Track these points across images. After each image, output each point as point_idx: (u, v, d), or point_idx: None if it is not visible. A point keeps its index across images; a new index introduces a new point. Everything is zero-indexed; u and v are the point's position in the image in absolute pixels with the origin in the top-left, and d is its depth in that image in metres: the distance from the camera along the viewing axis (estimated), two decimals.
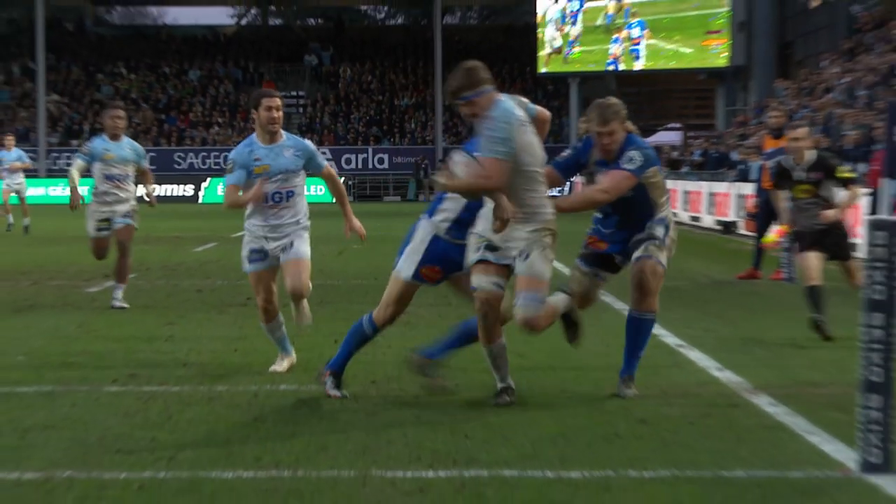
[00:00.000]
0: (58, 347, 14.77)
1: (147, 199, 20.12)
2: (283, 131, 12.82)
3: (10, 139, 40.50)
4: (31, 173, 75.44)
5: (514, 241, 10.90)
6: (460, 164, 10.72)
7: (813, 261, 15.50)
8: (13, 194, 39.37)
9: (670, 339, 14.98)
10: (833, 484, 8.46)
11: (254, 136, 12.83)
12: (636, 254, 11.70)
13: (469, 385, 12.13)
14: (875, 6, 61.86)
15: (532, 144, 10.89)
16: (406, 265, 11.48)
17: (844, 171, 15.85)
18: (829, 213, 15.51)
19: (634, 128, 11.64)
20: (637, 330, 11.83)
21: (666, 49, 73.71)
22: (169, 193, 69.63)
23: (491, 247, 10.93)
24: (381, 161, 79.78)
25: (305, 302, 13.23)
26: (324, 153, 14.58)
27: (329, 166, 13.22)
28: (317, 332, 14.61)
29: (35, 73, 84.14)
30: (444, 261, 11.39)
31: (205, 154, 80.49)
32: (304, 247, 12.83)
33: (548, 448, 9.48)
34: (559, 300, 11.58)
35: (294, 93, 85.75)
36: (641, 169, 11.44)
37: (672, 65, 74.21)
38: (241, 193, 12.68)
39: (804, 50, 70.58)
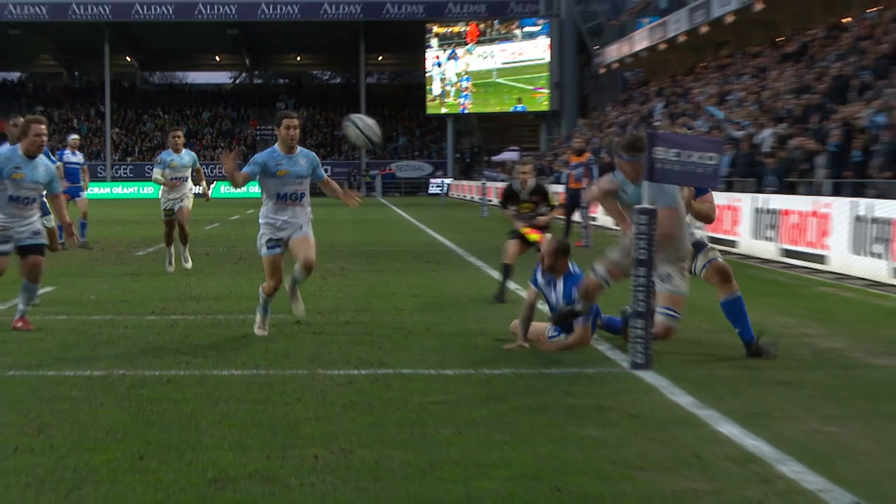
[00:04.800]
0: (116, 290, 14.52)
1: (202, 195, 19.58)
2: (297, 145, 11.20)
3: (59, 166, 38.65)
4: (100, 177, 75.79)
5: (662, 266, 9.37)
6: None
7: (514, 247, 13.79)
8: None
9: (510, 286, 14.75)
10: (613, 376, 8.45)
11: (276, 146, 11.10)
12: (709, 256, 9.63)
13: (380, 312, 12.06)
14: (639, 73, 63.40)
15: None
16: None
17: (552, 198, 13.78)
18: (541, 220, 13.64)
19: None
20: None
21: (503, 99, 75.50)
22: None
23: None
24: (325, 171, 79.55)
25: (300, 296, 11.11)
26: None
27: (327, 177, 11.66)
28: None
29: (104, 114, 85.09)
30: None
31: (212, 166, 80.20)
32: (311, 231, 11.09)
33: (431, 355, 9.40)
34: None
35: (269, 128, 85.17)
36: None
37: (511, 109, 75.27)
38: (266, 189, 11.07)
39: (596, 100, 71.64)
